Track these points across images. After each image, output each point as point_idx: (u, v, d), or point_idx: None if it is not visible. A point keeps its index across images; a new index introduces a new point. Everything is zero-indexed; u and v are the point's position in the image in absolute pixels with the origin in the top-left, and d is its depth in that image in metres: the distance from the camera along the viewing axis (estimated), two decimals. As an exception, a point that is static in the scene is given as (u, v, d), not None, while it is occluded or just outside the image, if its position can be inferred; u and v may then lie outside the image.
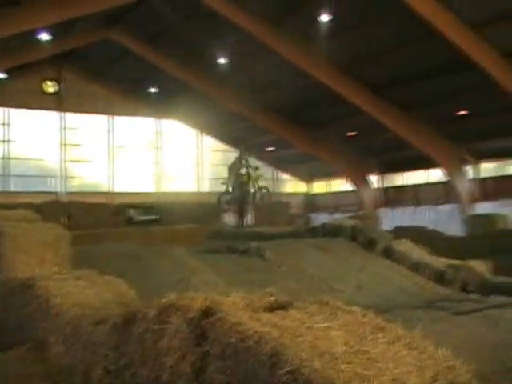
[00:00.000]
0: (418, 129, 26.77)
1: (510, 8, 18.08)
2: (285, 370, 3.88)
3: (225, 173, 22.54)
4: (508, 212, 23.24)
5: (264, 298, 5.04)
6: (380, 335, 4.33)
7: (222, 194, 18.79)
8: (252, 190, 16.66)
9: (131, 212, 24.53)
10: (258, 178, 18.34)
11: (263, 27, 23.36)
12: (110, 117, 37.20)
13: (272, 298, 5.08)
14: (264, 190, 16.96)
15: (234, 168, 17.71)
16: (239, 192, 16.42)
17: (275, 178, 39.84)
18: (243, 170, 17.15)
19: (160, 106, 36.11)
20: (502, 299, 9.19)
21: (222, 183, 19.18)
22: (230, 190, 16.91)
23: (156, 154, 38.54)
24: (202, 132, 38.14)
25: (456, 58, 20.45)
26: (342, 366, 3.74)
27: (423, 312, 8.91)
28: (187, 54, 28.46)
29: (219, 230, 20.23)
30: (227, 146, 37.99)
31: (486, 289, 10.45)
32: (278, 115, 31.35)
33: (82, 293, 6.55)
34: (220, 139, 38.06)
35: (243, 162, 17.83)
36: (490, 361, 5.17)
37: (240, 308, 4.64)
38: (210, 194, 34.04)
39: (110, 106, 36.16)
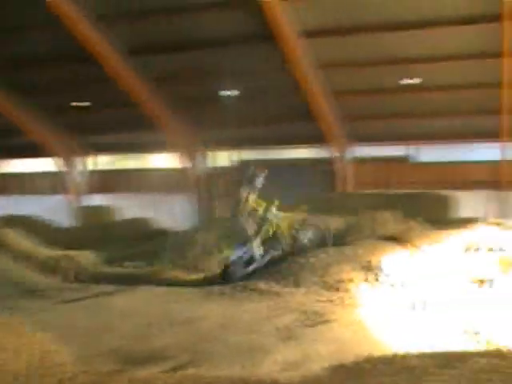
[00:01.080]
0: (33, 115, 26.03)
1: (137, 6, 18.66)
2: None
3: None
4: (118, 204, 24.27)
5: None
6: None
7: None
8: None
9: None
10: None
11: None
12: None
13: None
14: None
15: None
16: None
17: None
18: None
19: None
20: (108, 288, 9.61)
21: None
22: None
23: None
24: None
25: (79, 48, 20.38)
26: None
27: (27, 301, 8.87)
28: None
29: None
30: None
31: (94, 278, 10.82)
32: None
33: None
34: None
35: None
36: (92, 344, 5.46)
37: None
38: None
39: None
